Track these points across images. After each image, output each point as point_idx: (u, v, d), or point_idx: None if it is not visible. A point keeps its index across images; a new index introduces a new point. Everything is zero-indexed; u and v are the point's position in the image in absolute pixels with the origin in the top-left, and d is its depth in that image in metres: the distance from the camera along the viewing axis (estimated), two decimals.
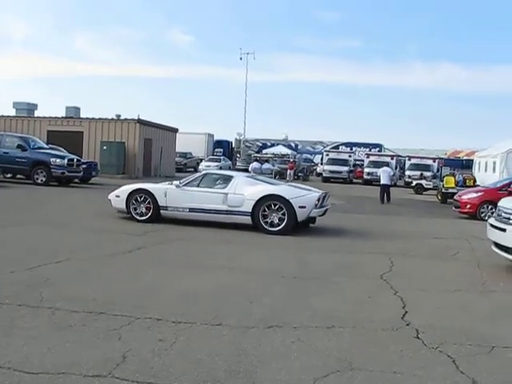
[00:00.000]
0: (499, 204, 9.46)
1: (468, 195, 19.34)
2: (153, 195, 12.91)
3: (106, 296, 6.28)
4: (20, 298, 5.97)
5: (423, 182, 35.44)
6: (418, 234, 13.35)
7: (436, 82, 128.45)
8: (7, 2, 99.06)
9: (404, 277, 8.25)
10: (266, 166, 39.50)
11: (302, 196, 12.33)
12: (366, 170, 44.24)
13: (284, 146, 62.26)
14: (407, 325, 5.73)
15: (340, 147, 58.80)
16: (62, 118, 35.63)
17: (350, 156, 49.21)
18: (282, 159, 50.82)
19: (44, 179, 23.01)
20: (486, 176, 34.06)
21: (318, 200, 12.33)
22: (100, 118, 34.83)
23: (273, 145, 63.26)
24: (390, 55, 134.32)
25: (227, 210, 12.44)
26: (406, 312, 6.19)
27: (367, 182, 42.37)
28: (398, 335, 5.40)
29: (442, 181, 27.65)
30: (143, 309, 5.77)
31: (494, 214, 9.56)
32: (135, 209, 13.01)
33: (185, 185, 13.04)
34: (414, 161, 45.41)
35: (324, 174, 44.66)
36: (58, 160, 23.30)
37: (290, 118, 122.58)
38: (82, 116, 36.41)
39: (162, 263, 8.50)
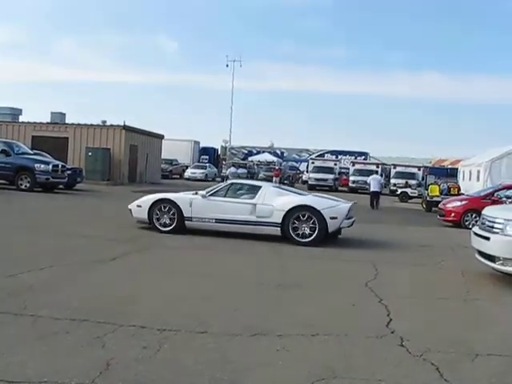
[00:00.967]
0: (483, 212, 9.52)
1: (452, 204, 19.47)
2: (177, 205, 12.54)
3: (90, 303, 6.23)
4: (2, 305, 5.90)
5: (408, 190, 35.66)
6: (403, 242, 13.39)
7: (420, 91, 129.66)
8: None
9: (389, 285, 8.27)
10: (240, 170, 41.99)
11: (333, 207, 12.14)
12: (352, 177, 44.38)
13: (270, 153, 62.52)
14: (392, 332, 5.73)
15: (326, 155, 59.15)
16: (47, 123, 35.39)
17: (335, 164, 49.37)
18: (267, 166, 50.97)
19: (28, 185, 22.78)
20: (471, 185, 34.33)
21: (349, 211, 12.23)
22: (85, 124, 34.68)
23: (258, 152, 63.44)
24: (375, 64, 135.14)
25: (256, 221, 12.19)
26: (391, 320, 6.20)
27: (353, 190, 42.49)
28: (383, 343, 5.41)
29: (427, 189, 27.83)
30: (127, 316, 5.73)
31: (478, 223, 9.62)
32: (158, 219, 12.61)
33: (211, 195, 12.71)
34: (399, 169, 45.62)
35: (310, 182, 44.72)
36: (42, 166, 23.11)
37: (276, 126, 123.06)
38: (67, 122, 36.19)
39: (147, 270, 8.46)
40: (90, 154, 32.50)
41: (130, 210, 13.24)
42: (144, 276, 8.02)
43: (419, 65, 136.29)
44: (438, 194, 26.06)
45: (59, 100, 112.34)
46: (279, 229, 12.02)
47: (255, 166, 54.52)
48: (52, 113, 37.54)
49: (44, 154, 26.84)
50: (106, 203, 20.85)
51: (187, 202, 12.59)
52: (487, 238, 8.62)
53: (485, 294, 8.03)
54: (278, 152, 64.78)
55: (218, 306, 6.52)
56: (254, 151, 64.42)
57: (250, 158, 60.10)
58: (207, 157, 59.77)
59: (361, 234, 14.78)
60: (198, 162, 56.60)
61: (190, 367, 4.46)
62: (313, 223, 11.80)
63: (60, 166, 24.22)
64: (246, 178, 42.29)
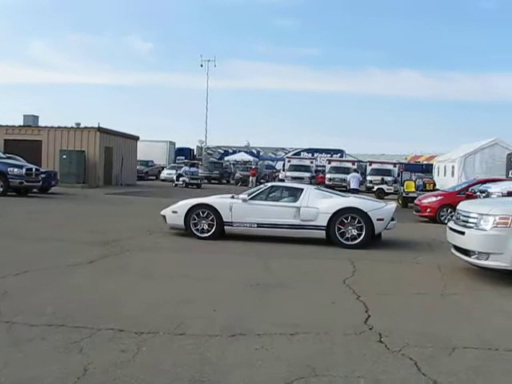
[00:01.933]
0: (458, 207, 9.62)
1: (428, 199, 19.66)
2: (216, 210, 12.23)
3: (67, 308, 6.16)
4: None
5: (384, 186, 35.97)
6: (384, 236, 13.45)
7: (395, 89, 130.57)
8: None
9: (366, 281, 8.32)
10: (193, 169, 42.92)
11: (379, 208, 12.03)
12: (328, 175, 44.60)
13: (246, 152, 62.44)
14: (370, 329, 5.77)
15: (302, 153, 59.19)
16: (20, 126, 34.88)
17: (311, 162, 49.56)
18: (244, 166, 50.97)
19: (1, 189, 22.48)
20: (446, 180, 34.77)
21: (393, 212, 12.14)
22: (59, 127, 34.28)
23: (235, 152, 63.35)
24: (350, 63, 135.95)
25: (300, 225, 11.97)
26: (369, 316, 6.23)
27: (329, 188, 42.63)
28: (362, 339, 5.43)
29: (403, 185, 28.05)
30: (105, 320, 5.68)
31: (453, 218, 9.71)
32: (195, 225, 12.30)
33: (251, 198, 12.47)
34: (374, 166, 45.90)
35: (286, 181, 44.80)
36: (15, 169, 22.81)
37: (252, 125, 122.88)
38: (40, 124, 35.73)
39: (124, 273, 8.38)
40: (64, 156, 32.17)
41: (164, 216, 12.90)
42: (122, 279, 7.96)
43: (394, 63, 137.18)
44: (413, 189, 26.30)
45: (31, 103, 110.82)
46: (324, 232, 11.85)
47: (231, 166, 54.50)
48: (25, 115, 37.02)
49: (17, 157, 26.50)
50: (82, 206, 20.65)
51: (227, 206, 12.30)
52: (462, 233, 8.71)
53: (461, 288, 8.11)
54: (254, 151, 64.74)
55: (197, 307, 6.49)
56: (230, 151, 64.30)
57: (226, 158, 59.99)
58: (183, 157, 59.54)
59: None
60: (174, 162, 56.36)
61: (168, 370, 4.43)
62: (359, 225, 11.64)
63: (34, 169, 23.93)
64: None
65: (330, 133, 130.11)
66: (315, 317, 6.21)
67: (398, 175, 41.68)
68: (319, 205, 11.95)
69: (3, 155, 25.52)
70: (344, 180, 37.65)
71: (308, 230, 11.97)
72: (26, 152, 29.79)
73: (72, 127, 34.41)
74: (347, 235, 11.69)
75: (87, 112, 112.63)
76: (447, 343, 5.36)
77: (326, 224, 11.76)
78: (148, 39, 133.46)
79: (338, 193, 14.30)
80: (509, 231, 8.00)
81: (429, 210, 19.03)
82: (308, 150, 60.36)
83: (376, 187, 36.19)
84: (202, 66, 70.23)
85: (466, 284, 8.38)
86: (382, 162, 47.86)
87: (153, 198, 25.93)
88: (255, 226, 12.16)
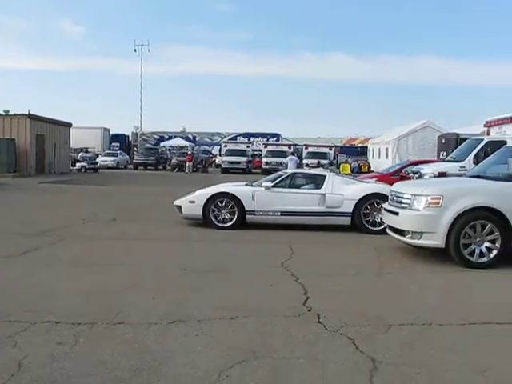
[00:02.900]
0: (392, 189, 9.85)
1: None
2: (238, 199, 11.94)
3: None
4: None
5: (320, 169, 36.39)
6: None
7: (329, 72, 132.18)
8: None
9: (304, 263, 8.42)
10: (89, 154, 45.79)
11: None
12: (265, 159, 44.76)
13: (182, 138, 61.92)
14: (309, 310, 5.85)
15: (238, 138, 59.15)
16: None
17: (248, 146, 49.62)
18: (180, 151, 50.58)
19: None
20: (380, 162, 35.50)
21: None
22: None
23: (170, 137, 62.72)
24: (282, 47, 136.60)
25: (325, 212, 11.83)
26: (308, 298, 6.32)
27: (266, 172, 42.85)
28: (301, 321, 5.50)
29: (339, 168, 28.55)
30: (40, 313, 5.53)
31: (388, 199, 9.92)
32: (215, 215, 11.99)
33: (274, 186, 12.25)
34: (310, 149, 46.39)
35: (223, 165, 44.78)
36: None
37: (188, 110, 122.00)
38: None
39: (59, 263, 8.19)
40: None
41: (179, 206, 12.48)
42: (57, 269, 7.79)
43: (326, 46, 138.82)
44: (349, 172, 26.88)
45: None
46: (350, 218, 11.79)
47: (168, 152, 53.97)
48: None
49: None
50: (14, 196, 20.04)
51: (249, 194, 12.05)
52: (396, 214, 8.93)
53: (396, 267, 8.32)
54: (190, 136, 64.25)
55: (136, 295, 6.41)
56: (166, 136, 63.61)
57: (161, 144, 59.30)
58: (118, 144, 58.58)
59: None
60: (109, 149, 55.36)
61: (107, 360, 4.37)
62: None
63: None
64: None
65: (266, 117, 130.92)
66: (254, 300, 6.26)
67: (334, 158, 42.39)
68: (343, 191, 11.91)
69: None
70: (281, 164, 37.93)
71: (333, 217, 11.89)
72: None
73: (0, 114, 33.22)
74: (371, 220, 11.73)
75: (16, 99, 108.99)
76: (383, 321, 5.51)
77: (351, 210, 11.73)
78: (79, 23, 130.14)
79: (357, 179, 14.38)
80: (440, 211, 8.25)
81: None
82: (244, 135, 60.38)
83: None
84: (135, 50, 69.01)
85: (400, 263, 8.60)
86: (317, 146, 48.40)
87: (87, 185, 25.43)
88: (278, 214, 11.97)
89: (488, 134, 19.26)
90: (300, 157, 47.38)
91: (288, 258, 8.75)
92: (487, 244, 8.20)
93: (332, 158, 43.35)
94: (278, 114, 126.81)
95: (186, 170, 41.91)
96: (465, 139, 20.89)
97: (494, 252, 8.19)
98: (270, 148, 47.60)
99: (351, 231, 11.64)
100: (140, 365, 4.27)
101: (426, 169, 17.28)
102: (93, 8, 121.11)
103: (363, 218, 11.76)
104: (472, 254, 8.20)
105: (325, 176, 12.44)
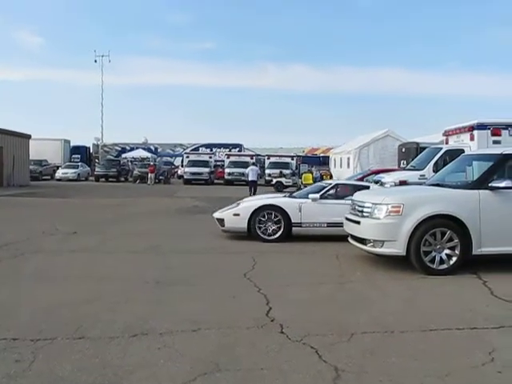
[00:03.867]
0: (353, 198, 9.93)
1: None
2: (284, 211, 11.85)
3: None
4: None
5: (283, 179, 36.64)
6: None
7: (289, 83, 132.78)
8: None
9: (267, 274, 8.41)
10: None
11: None
12: (227, 170, 44.75)
13: (144, 149, 61.53)
14: (272, 321, 5.83)
15: (200, 149, 59.08)
16: None
17: (210, 157, 49.49)
18: (142, 163, 50.22)
19: None
20: (342, 171, 35.84)
21: None
22: None
23: (132, 149, 62.31)
24: (244, 58, 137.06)
25: None
26: (271, 308, 6.31)
27: (229, 182, 42.88)
28: (264, 332, 5.48)
29: (301, 178, 28.69)
30: None
31: (350, 208, 9.99)
32: (260, 228, 11.87)
33: (321, 197, 12.13)
34: (273, 159, 46.58)
35: (185, 176, 44.55)
36: None
37: (150, 121, 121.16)
38: None
39: (18, 278, 8.02)
40: None
41: (220, 219, 12.35)
42: (16, 284, 7.60)
43: (286, 57, 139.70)
44: (311, 181, 26.97)
45: None
46: None
47: (129, 163, 53.51)
48: None
49: None
50: None
51: (295, 206, 11.97)
52: (358, 222, 9.00)
53: (358, 275, 8.37)
54: (152, 148, 63.93)
55: (96, 309, 6.30)
56: (128, 148, 63.16)
57: (123, 155, 58.81)
58: (79, 156, 57.78)
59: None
60: (70, 161, 54.57)
61: (67, 376, 4.28)
62: None
63: None
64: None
65: (228, 128, 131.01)
66: (217, 312, 6.21)
67: (296, 168, 42.61)
68: None
69: None
70: (243, 174, 37.98)
71: None
72: None
73: None
74: None
75: None
76: (346, 329, 5.53)
77: None
78: (38, 34, 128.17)
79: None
80: (401, 219, 8.35)
81: None
82: (206, 146, 60.34)
83: (275, 180, 36.82)
84: (95, 61, 68.40)
85: (362, 271, 8.66)
86: (280, 156, 48.65)
87: (48, 198, 25.01)
88: (325, 225, 11.88)
89: (447, 142, 19.57)
90: (263, 167, 47.59)
91: (250, 268, 8.73)
92: (447, 251, 8.33)
93: (294, 168, 43.59)
94: (240, 124, 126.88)
95: (148, 182, 41.61)
96: (424, 148, 21.24)
97: (454, 259, 8.32)
98: (232, 158, 47.59)
99: (314, 240, 11.67)
100: (101, 380, 4.20)
101: (386, 177, 17.48)
102: (52, 19, 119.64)
103: None
104: (432, 261, 8.31)
105: (368, 187, 12.62)
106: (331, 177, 28.75)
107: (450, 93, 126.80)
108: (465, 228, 8.32)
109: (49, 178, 47.82)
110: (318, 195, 12.25)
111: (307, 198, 12.22)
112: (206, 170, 44.90)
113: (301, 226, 11.98)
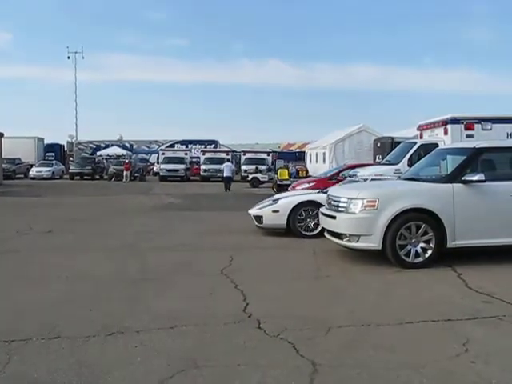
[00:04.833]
0: (328, 193, 9.96)
1: (301, 186, 20.15)
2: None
3: None
4: None
5: (259, 175, 36.60)
6: (255, 227, 13.62)
7: (265, 79, 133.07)
8: None
9: (244, 270, 8.42)
10: None
11: None
12: (203, 166, 44.58)
13: (119, 146, 61.12)
14: (249, 316, 5.84)
15: (176, 145, 58.80)
16: None
17: (186, 154, 49.24)
18: (117, 160, 49.81)
19: None
20: (318, 166, 35.98)
21: None
22: None
23: (107, 146, 61.84)
24: (219, 54, 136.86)
25: None
26: (247, 304, 6.31)
27: (205, 179, 42.75)
28: (241, 328, 5.49)
29: (277, 173, 28.72)
30: None
31: (325, 203, 10.03)
32: (300, 224, 11.80)
33: None
34: (248, 155, 46.48)
35: (161, 173, 44.29)
36: None
37: (124, 118, 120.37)
38: None
39: None
40: None
41: (259, 216, 12.29)
42: None
43: (261, 53, 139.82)
44: (287, 177, 27.02)
45: None
46: None
47: (104, 161, 53.06)
48: None
49: None
50: None
51: None
52: (333, 217, 9.04)
53: (334, 270, 8.42)
54: (128, 145, 63.50)
55: (72, 308, 6.26)
56: (103, 145, 62.65)
57: (98, 153, 58.30)
58: (53, 154, 57.13)
59: (212, 222, 14.97)
60: (44, 159, 53.93)
61: (43, 377, 4.23)
62: None
63: None
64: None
65: (204, 124, 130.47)
66: (193, 309, 6.20)
67: (272, 163, 42.62)
68: None
69: None
70: (219, 170, 37.93)
71: None
72: None
73: None
74: None
75: None
76: (323, 324, 5.55)
77: None
78: (6, 30, 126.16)
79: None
80: (376, 213, 8.40)
81: None
82: (182, 142, 60.09)
83: (251, 176, 36.77)
84: (68, 58, 67.64)
85: (338, 266, 8.71)
86: (255, 152, 48.53)
87: (21, 197, 24.73)
88: None
89: (421, 137, 19.74)
90: (238, 163, 47.53)
91: (227, 264, 8.72)
92: (422, 244, 8.40)
93: (270, 164, 43.60)
94: (215, 120, 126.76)
95: (124, 179, 41.29)
96: (399, 142, 21.42)
97: (429, 252, 8.40)
98: (208, 155, 47.38)
99: (291, 236, 11.69)
100: (77, 380, 4.17)
101: (362, 172, 17.57)
102: (21, 15, 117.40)
103: None
104: (408, 254, 8.38)
105: None
106: (307, 172, 28.86)
107: (423, 88, 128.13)
108: (439, 221, 8.40)
109: (22, 176, 47.23)
110: None
111: None
112: (182, 166, 44.67)
113: None
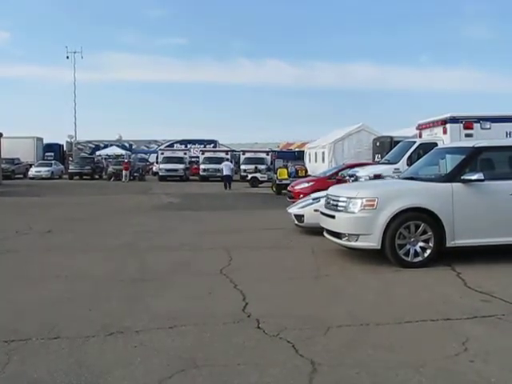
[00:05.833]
0: (327, 192, 9.96)
1: (300, 185, 20.15)
2: None
3: None
4: None
5: (258, 175, 36.54)
6: (254, 226, 13.65)
7: (264, 78, 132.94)
8: None
9: (243, 269, 8.42)
10: None
11: None
12: (202, 166, 44.53)
13: (118, 146, 61.11)
14: (248, 316, 5.85)
15: (175, 145, 58.81)
16: None
17: (185, 153, 49.21)
18: (116, 160, 49.78)
19: None
20: (317, 166, 35.92)
21: None
22: None
23: (106, 146, 61.84)
24: (218, 53, 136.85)
25: None
26: (247, 304, 6.32)
27: (204, 179, 42.71)
28: (240, 327, 5.49)
29: (276, 173, 28.70)
30: None
31: (324, 202, 10.04)
32: None
33: None
34: (248, 155, 46.42)
35: (160, 173, 44.25)
36: None
37: (124, 118, 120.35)
38: None
39: None
40: None
41: (301, 215, 12.30)
42: None
43: (260, 53, 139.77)
44: (286, 176, 26.97)
45: None
46: None
47: (103, 161, 53.03)
48: None
49: None
50: None
51: None
52: (333, 217, 9.04)
53: (334, 269, 8.42)
54: (127, 145, 63.52)
55: (72, 308, 6.26)
56: (102, 145, 62.68)
57: (97, 153, 58.32)
58: (52, 154, 57.06)
59: (212, 222, 14.97)
60: (43, 159, 53.89)
61: (42, 377, 4.24)
62: None
63: None
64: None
65: (203, 123, 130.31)
66: (193, 308, 6.21)
67: (271, 163, 42.60)
68: None
69: None
70: (218, 170, 37.95)
71: None
72: None
73: None
74: None
75: None
76: (322, 323, 5.56)
77: None
78: (5, 29, 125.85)
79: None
80: (375, 213, 8.40)
81: (301, 195, 19.44)
82: (181, 142, 60.11)
83: (250, 176, 36.73)
84: (68, 57, 67.57)
85: (337, 265, 8.71)
86: (255, 151, 48.49)
87: (21, 197, 24.72)
88: None
89: (420, 136, 19.74)
90: (238, 162, 47.49)
91: (226, 264, 8.72)
92: (421, 244, 8.41)
93: (269, 163, 43.55)
94: (214, 120, 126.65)
95: (123, 179, 41.27)
96: (398, 142, 21.40)
97: (428, 251, 8.41)
98: (207, 155, 47.37)
99: (290, 234, 11.69)
100: (77, 381, 4.17)
101: (361, 171, 17.58)
102: (19, 14, 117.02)
103: None
104: (407, 253, 8.39)
105: None
106: (306, 171, 28.79)
107: (422, 87, 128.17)
108: (438, 221, 8.40)
109: (22, 176, 47.20)
110: None
111: None
112: (181, 166, 44.63)
113: None
